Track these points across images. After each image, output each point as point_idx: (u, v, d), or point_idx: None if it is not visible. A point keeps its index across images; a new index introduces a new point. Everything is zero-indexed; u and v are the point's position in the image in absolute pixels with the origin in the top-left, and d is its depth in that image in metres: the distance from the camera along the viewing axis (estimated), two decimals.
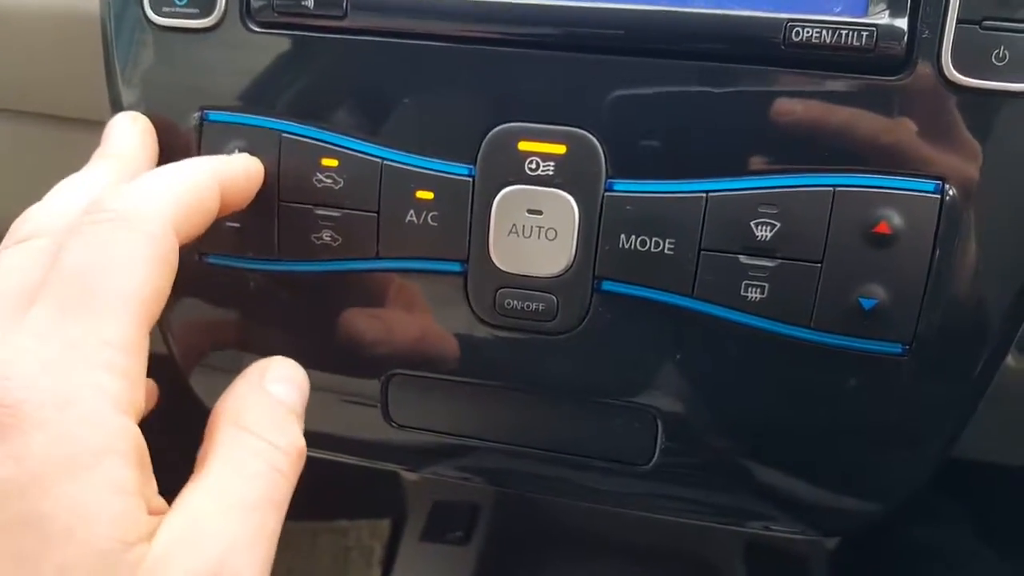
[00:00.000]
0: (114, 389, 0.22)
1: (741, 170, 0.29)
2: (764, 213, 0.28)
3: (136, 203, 0.25)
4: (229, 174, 0.29)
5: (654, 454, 0.33)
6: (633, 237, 0.30)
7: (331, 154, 0.31)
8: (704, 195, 0.29)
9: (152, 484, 0.23)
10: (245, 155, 0.31)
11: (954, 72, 0.27)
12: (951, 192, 0.28)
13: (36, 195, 0.29)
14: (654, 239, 0.29)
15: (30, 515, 0.20)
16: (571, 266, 0.30)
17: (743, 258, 0.29)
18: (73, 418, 0.21)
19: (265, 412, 0.26)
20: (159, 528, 0.22)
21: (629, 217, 0.29)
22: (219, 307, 0.35)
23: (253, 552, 0.23)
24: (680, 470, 0.33)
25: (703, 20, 0.28)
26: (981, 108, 0.27)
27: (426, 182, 0.31)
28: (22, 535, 0.20)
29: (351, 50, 0.31)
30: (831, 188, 0.28)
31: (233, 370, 0.28)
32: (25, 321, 0.23)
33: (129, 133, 0.32)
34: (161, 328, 0.35)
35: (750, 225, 0.29)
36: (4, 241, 0.26)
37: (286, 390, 0.27)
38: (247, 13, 0.32)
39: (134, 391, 0.23)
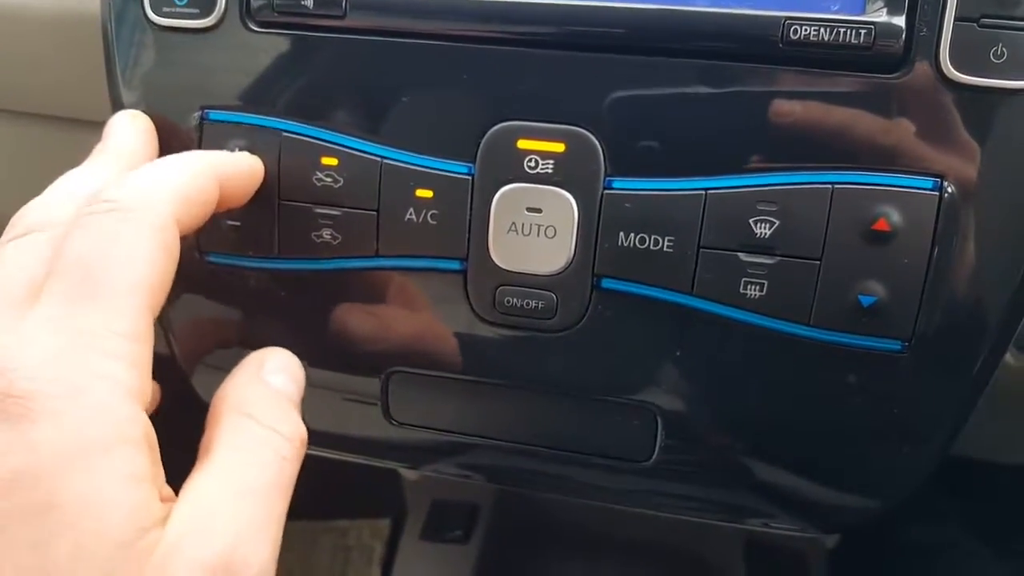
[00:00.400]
0: (124, 378, 0.23)
1: (740, 168, 0.29)
2: (763, 211, 0.28)
3: (138, 193, 0.25)
4: (229, 168, 0.29)
5: (654, 451, 0.33)
6: (632, 235, 0.30)
7: (331, 153, 0.31)
8: (703, 192, 0.29)
9: (161, 472, 0.23)
10: (246, 153, 0.31)
11: (952, 70, 0.27)
12: (950, 189, 0.28)
13: (37, 194, 0.29)
14: (653, 237, 0.29)
15: (44, 503, 0.21)
16: (570, 264, 0.30)
17: (742, 255, 0.29)
18: (85, 407, 0.22)
19: (267, 401, 0.26)
20: (171, 514, 0.22)
21: (628, 215, 0.30)
22: (220, 306, 0.35)
23: (264, 535, 0.23)
24: (680, 467, 0.33)
25: (701, 19, 0.28)
26: (979, 105, 0.27)
27: (426, 180, 0.31)
28: (36, 522, 0.20)
29: (351, 49, 0.31)
30: (830, 185, 0.28)
31: (233, 358, 0.28)
32: (32, 313, 0.23)
33: (129, 130, 0.32)
34: (163, 327, 0.35)
35: (749, 223, 0.29)
36: (4, 236, 0.26)
37: (284, 380, 0.27)
38: (247, 13, 0.32)
39: (143, 380, 0.23)
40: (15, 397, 0.21)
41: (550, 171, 0.30)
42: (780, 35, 0.28)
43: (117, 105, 0.34)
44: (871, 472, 0.32)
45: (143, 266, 0.24)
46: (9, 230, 0.26)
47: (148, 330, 0.24)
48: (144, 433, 0.23)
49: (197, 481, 0.24)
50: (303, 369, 0.29)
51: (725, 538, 0.64)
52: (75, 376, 0.22)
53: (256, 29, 0.32)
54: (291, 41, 0.32)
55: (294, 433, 0.26)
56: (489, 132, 0.30)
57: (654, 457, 0.33)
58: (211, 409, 0.26)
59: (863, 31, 0.27)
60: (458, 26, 0.30)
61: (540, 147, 0.30)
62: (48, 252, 0.25)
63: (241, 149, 0.32)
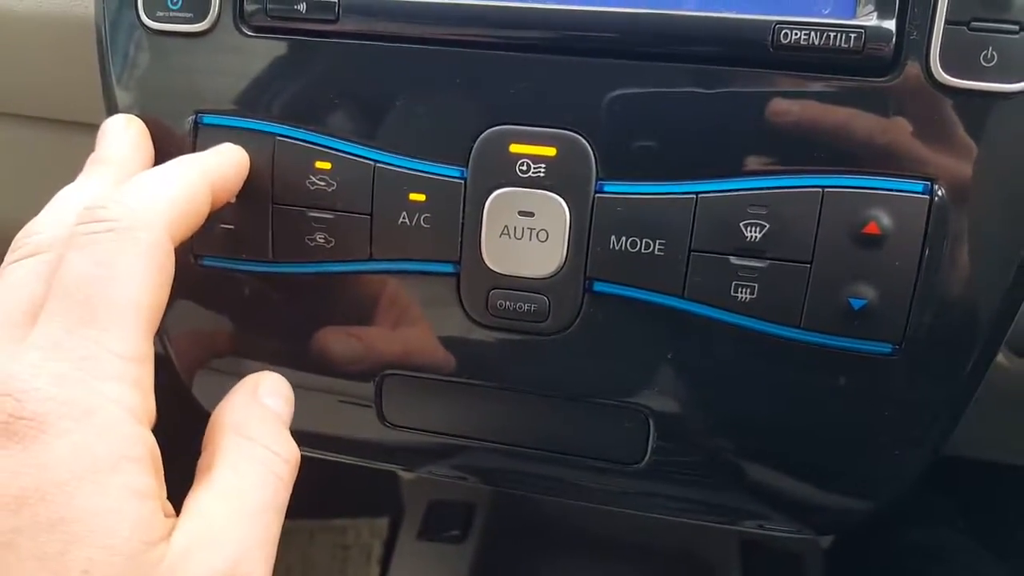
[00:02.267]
0: (127, 399, 0.23)
1: (731, 171, 0.29)
2: (753, 214, 0.29)
3: (131, 211, 0.25)
4: (219, 172, 0.30)
5: (646, 453, 0.33)
6: (624, 238, 0.30)
7: (324, 157, 0.31)
8: (694, 196, 0.29)
9: (163, 489, 0.24)
10: (229, 145, 0.31)
11: (942, 73, 0.27)
12: (940, 192, 0.28)
13: (31, 197, 0.29)
14: (644, 240, 0.30)
15: (54, 519, 0.21)
16: (562, 267, 0.30)
17: (733, 259, 0.29)
18: (92, 427, 0.22)
19: (265, 422, 0.27)
20: (175, 530, 0.23)
21: (619, 218, 0.30)
22: (215, 309, 0.35)
23: (262, 553, 0.24)
24: (672, 469, 0.33)
25: (692, 23, 0.28)
26: (969, 109, 0.27)
27: (418, 184, 0.31)
28: (47, 538, 0.21)
29: (343, 54, 0.31)
30: (820, 189, 0.28)
31: (229, 371, 0.28)
32: (33, 336, 0.23)
33: (123, 136, 0.32)
34: (157, 332, 0.35)
35: (739, 226, 0.29)
36: (7, 256, 0.27)
37: (277, 403, 0.28)
38: (240, 17, 0.32)
39: (146, 399, 0.24)
40: (25, 419, 0.22)
41: (542, 175, 0.30)
42: (771, 39, 0.28)
43: (111, 109, 0.34)
44: (863, 473, 0.32)
45: (140, 287, 0.24)
46: (12, 250, 0.27)
47: (148, 349, 0.24)
48: (149, 451, 0.23)
49: (199, 498, 0.24)
50: (292, 392, 0.29)
51: (721, 539, 0.64)
52: (81, 398, 0.22)
53: (249, 33, 0.32)
54: (284, 45, 0.32)
55: (290, 454, 0.27)
56: (481, 136, 0.30)
57: (646, 459, 0.33)
58: (209, 429, 0.27)
59: (853, 35, 0.27)
60: (450, 30, 0.30)
61: (532, 151, 0.30)
62: (48, 272, 0.25)
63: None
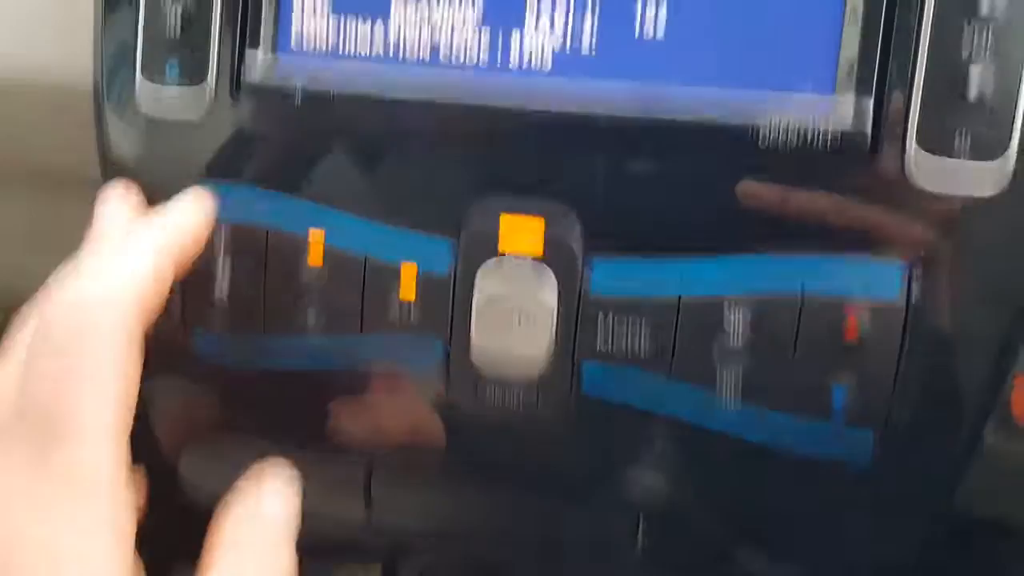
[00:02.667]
0: (107, 516, 0.23)
1: (715, 249, 0.29)
2: (735, 312, 0.29)
3: (96, 306, 0.25)
4: (178, 244, 0.29)
5: (637, 543, 0.33)
6: (612, 316, 0.30)
7: (317, 225, 0.31)
8: (676, 299, 0.29)
9: None
10: (188, 205, 0.31)
11: (920, 159, 0.27)
12: (919, 279, 0.28)
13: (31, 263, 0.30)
14: (631, 318, 0.30)
15: None
16: (552, 344, 0.30)
17: (716, 351, 0.29)
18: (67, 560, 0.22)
19: (263, 537, 0.27)
20: None
21: (608, 302, 0.30)
22: (203, 384, 0.35)
23: None
24: (662, 559, 0.33)
25: (672, 127, 0.29)
26: (948, 196, 0.27)
27: (409, 255, 0.31)
28: None
29: (336, 128, 0.32)
30: (799, 297, 0.29)
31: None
32: (5, 460, 0.23)
33: (120, 212, 0.32)
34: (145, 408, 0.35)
35: (722, 323, 0.29)
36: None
37: (279, 507, 0.28)
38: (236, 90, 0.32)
39: (124, 512, 0.23)
40: None
41: (531, 249, 0.30)
42: (752, 139, 0.28)
43: (107, 177, 0.34)
44: (851, 557, 0.32)
45: (109, 396, 0.24)
46: (7, 339, 0.27)
47: (122, 455, 0.24)
48: None
49: None
50: (300, 487, 0.29)
51: None
52: (53, 544, 0.22)
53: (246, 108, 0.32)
54: (281, 126, 0.32)
55: (284, 572, 0.26)
56: (470, 210, 0.30)
57: (637, 549, 0.33)
58: (208, 538, 0.26)
59: (830, 138, 0.28)
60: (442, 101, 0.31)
61: (521, 225, 0.30)
62: (21, 378, 0.25)
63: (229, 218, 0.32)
